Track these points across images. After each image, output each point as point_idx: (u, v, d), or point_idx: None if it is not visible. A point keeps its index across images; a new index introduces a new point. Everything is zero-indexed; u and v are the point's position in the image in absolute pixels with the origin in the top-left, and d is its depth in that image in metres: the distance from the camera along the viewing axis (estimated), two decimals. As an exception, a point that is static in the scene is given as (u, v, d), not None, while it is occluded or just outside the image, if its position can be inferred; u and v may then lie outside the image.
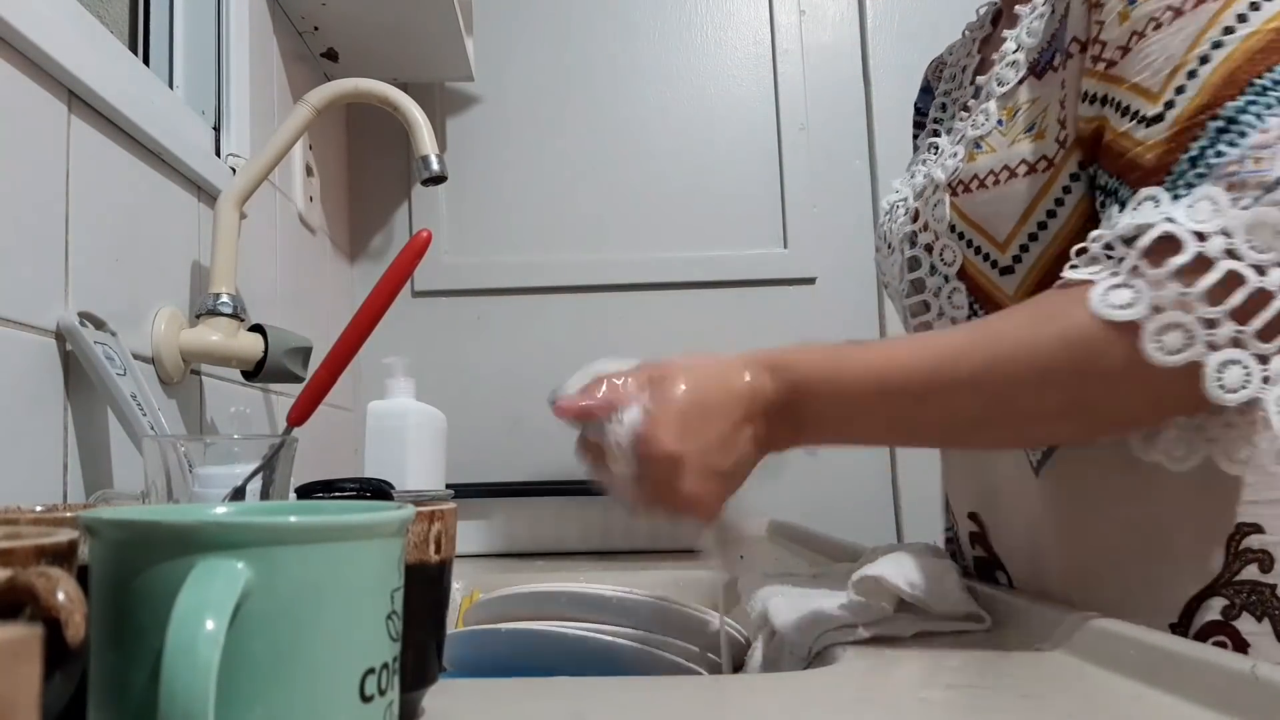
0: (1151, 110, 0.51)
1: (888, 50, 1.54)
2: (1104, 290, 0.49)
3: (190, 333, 0.83)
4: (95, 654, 0.27)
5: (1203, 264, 0.46)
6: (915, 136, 0.89)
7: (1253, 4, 0.50)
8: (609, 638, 0.66)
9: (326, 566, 0.28)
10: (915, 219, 0.69)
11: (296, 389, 0.72)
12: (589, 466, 0.58)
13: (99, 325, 0.70)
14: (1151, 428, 0.54)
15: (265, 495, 0.56)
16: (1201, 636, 0.55)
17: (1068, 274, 0.51)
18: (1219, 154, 0.48)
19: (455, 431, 1.18)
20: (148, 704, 0.25)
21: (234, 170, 0.97)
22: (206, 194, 0.92)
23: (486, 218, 1.54)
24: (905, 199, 0.73)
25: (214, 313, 0.84)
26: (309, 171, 1.30)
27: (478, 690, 0.49)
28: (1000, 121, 0.63)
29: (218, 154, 1.01)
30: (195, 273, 0.90)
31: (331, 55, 1.37)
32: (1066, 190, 0.58)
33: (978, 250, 0.63)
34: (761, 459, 0.58)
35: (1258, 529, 0.55)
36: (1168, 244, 0.47)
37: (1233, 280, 0.45)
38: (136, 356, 0.75)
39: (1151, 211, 0.49)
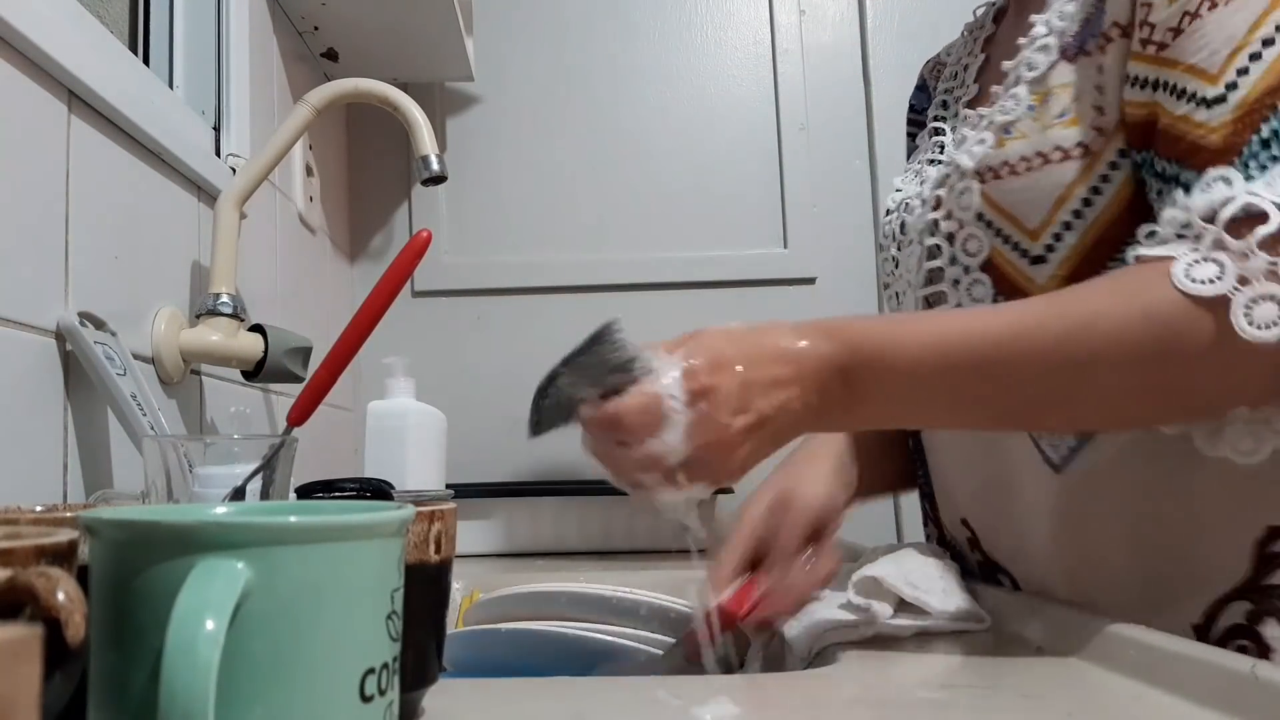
0: (1211, 91, 0.50)
1: (888, 50, 1.54)
2: (1186, 265, 0.47)
3: (190, 333, 0.83)
4: (95, 654, 0.27)
5: None
6: (913, 136, 0.89)
7: None
8: (609, 638, 0.66)
9: (326, 566, 0.28)
10: (937, 207, 0.67)
11: (296, 389, 0.72)
12: (613, 464, 0.51)
13: (99, 325, 0.70)
14: (1225, 412, 0.52)
15: (265, 495, 0.56)
16: (1223, 640, 0.54)
17: (1144, 251, 0.50)
18: None
19: (455, 431, 1.18)
20: (148, 704, 0.25)
21: (234, 170, 0.97)
22: (206, 194, 0.92)
23: (486, 218, 1.54)
24: (918, 192, 0.71)
25: (214, 313, 0.84)
26: (309, 171, 1.30)
27: (478, 690, 0.49)
28: (1031, 107, 0.61)
29: (218, 154, 1.01)
30: (195, 273, 0.90)
31: (331, 55, 1.37)
32: (1105, 178, 0.57)
33: (1006, 239, 0.61)
34: (805, 430, 0.54)
35: None
36: (1251, 217, 0.46)
37: None
38: (136, 356, 0.75)
39: (1226, 189, 0.48)
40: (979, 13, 0.81)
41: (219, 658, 0.24)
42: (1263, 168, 0.48)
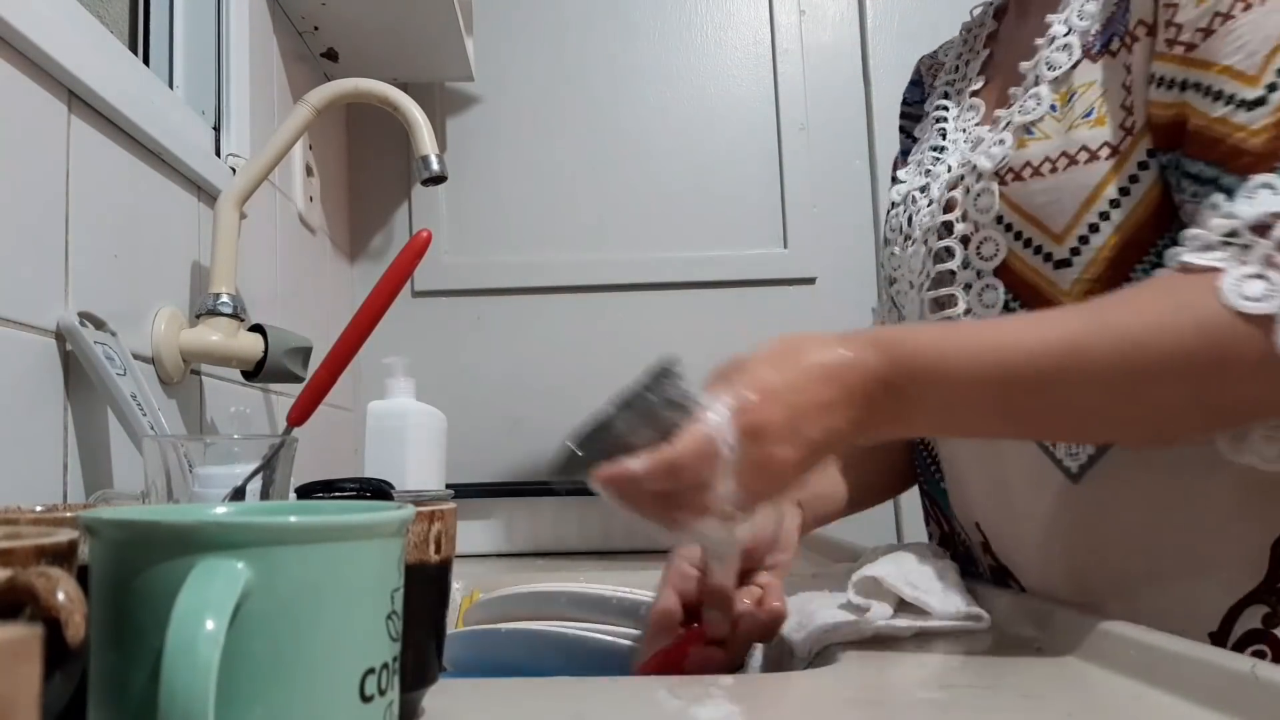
0: (1251, 93, 0.50)
1: (888, 50, 1.54)
2: (1235, 280, 0.46)
3: (190, 333, 0.83)
4: (95, 654, 0.27)
5: None
6: (905, 131, 0.87)
7: None
8: (609, 638, 0.66)
9: (326, 566, 0.28)
10: (948, 209, 0.66)
11: (296, 389, 0.72)
12: (650, 506, 0.50)
13: (99, 325, 0.70)
14: (1264, 421, 0.52)
15: (265, 495, 0.56)
16: (1241, 645, 0.54)
17: (1190, 258, 0.49)
18: None
19: (455, 431, 1.18)
20: (148, 704, 0.25)
21: (234, 170, 0.97)
22: (206, 194, 0.92)
23: (486, 218, 1.54)
24: (924, 187, 0.70)
25: (214, 313, 0.84)
26: (309, 171, 1.30)
27: (478, 690, 0.49)
28: (1054, 106, 0.60)
29: (218, 154, 1.01)
30: (195, 273, 0.90)
31: (331, 55, 1.37)
32: (1134, 179, 0.56)
33: (1028, 242, 0.60)
34: (853, 444, 0.52)
35: None
36: None
37: None
38: (136, 356, 0.75)
39: (1272, 199, 0.47)
40: (976, 12, 0.81)
41: (219, 658, 0.24)
42: None
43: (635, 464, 0.48)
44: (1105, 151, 0.57)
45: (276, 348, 0.88)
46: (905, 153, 0.86)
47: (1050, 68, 0.62)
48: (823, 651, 0.56)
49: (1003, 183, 0.61)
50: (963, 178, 0.65)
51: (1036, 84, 0.62)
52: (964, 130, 0.70)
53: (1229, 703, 0.39)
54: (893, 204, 0.75)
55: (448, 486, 1.12)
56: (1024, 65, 0.64)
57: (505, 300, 1.52)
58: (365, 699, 0.28)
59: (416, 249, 0.66)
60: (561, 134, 1.55)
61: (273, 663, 0.26)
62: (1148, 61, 0.56)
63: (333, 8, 1.25)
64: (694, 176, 1.54)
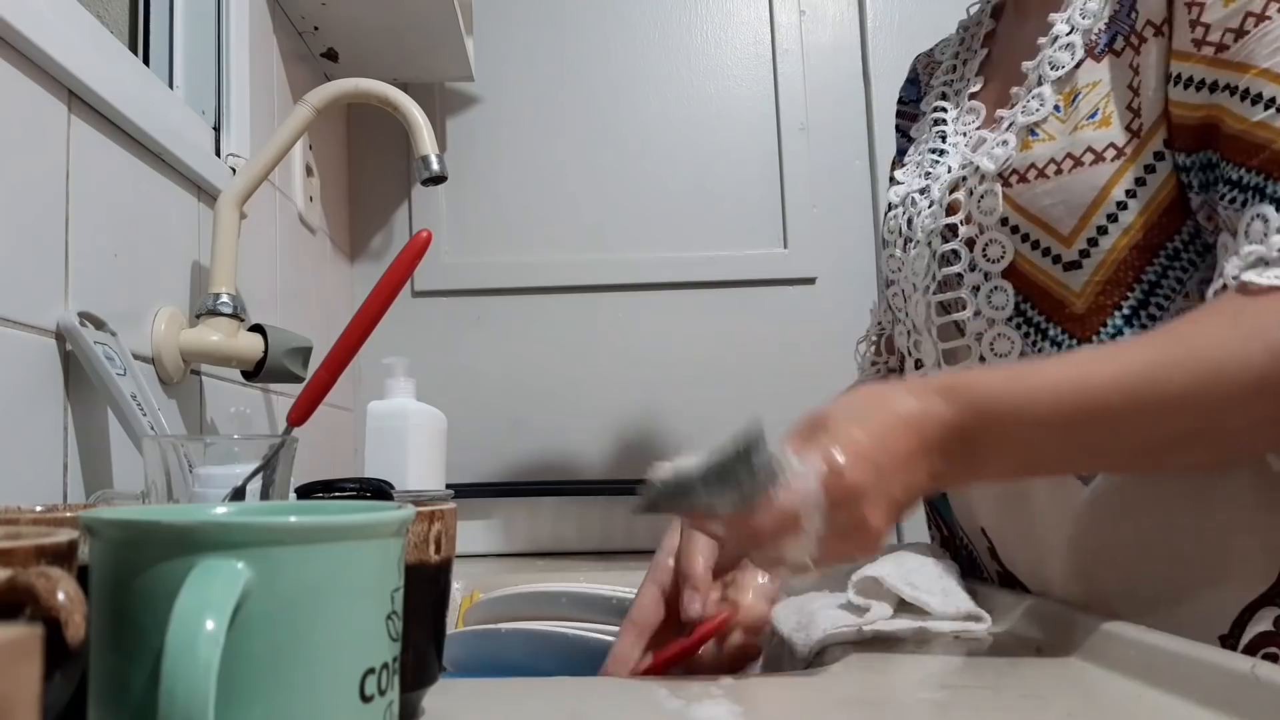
0: None
1: (888, 50, 1.54)
2: None
3: (190, 333, 0.83)
4: (95, 654, 0.27)
5: None
6: (901, 130, 0.87)
7: None
8: (609, 638, 0.66)
9: (326, 566, 0.28)
10: (951, 211, 0.65)
11: (296, 389, 0.72)
12: (749, 546, 0.49)
13: (99, 325, 0.70)
14: None
15: (265, 495, 0.56)
16: (1252, 649, 0.54)
17: (1251, 278, 0.48)
18: None
19: (455, 431, 1.18)
20: (148, 704, 0.25)
21: (234, 170, 0.97)
22: (206, 194, 0.92)
23: (486, 218, 1.54)
24: (924, 189, 0.69)
25: (214, 313, 0.84)
26: (309, 171, 1.30)
27: (478, 690, 0.49)
28: (1058, 107, 0.60)
29: (218, 154, 1.01)
30: (195, 273, 0.90)
31: (331, 55, 1.37)
32: (1140, 181, 0.56)
33: (1035, 245, 0.59)
34: (928, 493, 0.53)
35: None
36: None
37: None
38: (136, 356, 0.75)
39: None
40: (973, 10, 0.80)
41: (219, 658, 0.24)
42: None
43: (715, 527, 0.49)
44: (1111, 153, 0.57)
45: (276, 348, 0.88)
46: (902, 153, 0.85)
47: (1053, 67, 0.61)
48: (823, 651, 0.56)
49: (1007, 184, 0.61)
50: (965, 179, 0.64)
51: (1039, 84, 0.62)
52: (964, 134, 0.70)
53: (1229, 703, 0.39)
54: (890, 206, 0.74)
55: (448, 486, 1.12)
56: (1027, 65, 0.64)
57: (505, 300, 1.52)
58: (365, 699, 0.28)
59: (416, 249, 0.66)
60: (561, 134, 1.55)
61: (273, 663, 0.26)
62: (1162, 62, 0.55)
63: (333, 8, 1.25)
64: (694, 176, 1.54)
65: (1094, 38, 0.60)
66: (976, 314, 0.63)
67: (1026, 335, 0.61)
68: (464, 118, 1.55)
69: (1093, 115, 0.58)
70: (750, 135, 1.55)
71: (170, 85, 0.99)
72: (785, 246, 1.52)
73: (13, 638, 0.19)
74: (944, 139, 0.71)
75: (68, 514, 0.39)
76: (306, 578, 0.27)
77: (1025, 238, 0.60)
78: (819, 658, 0.56)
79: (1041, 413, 0.49)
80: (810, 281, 1.51)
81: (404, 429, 1.07)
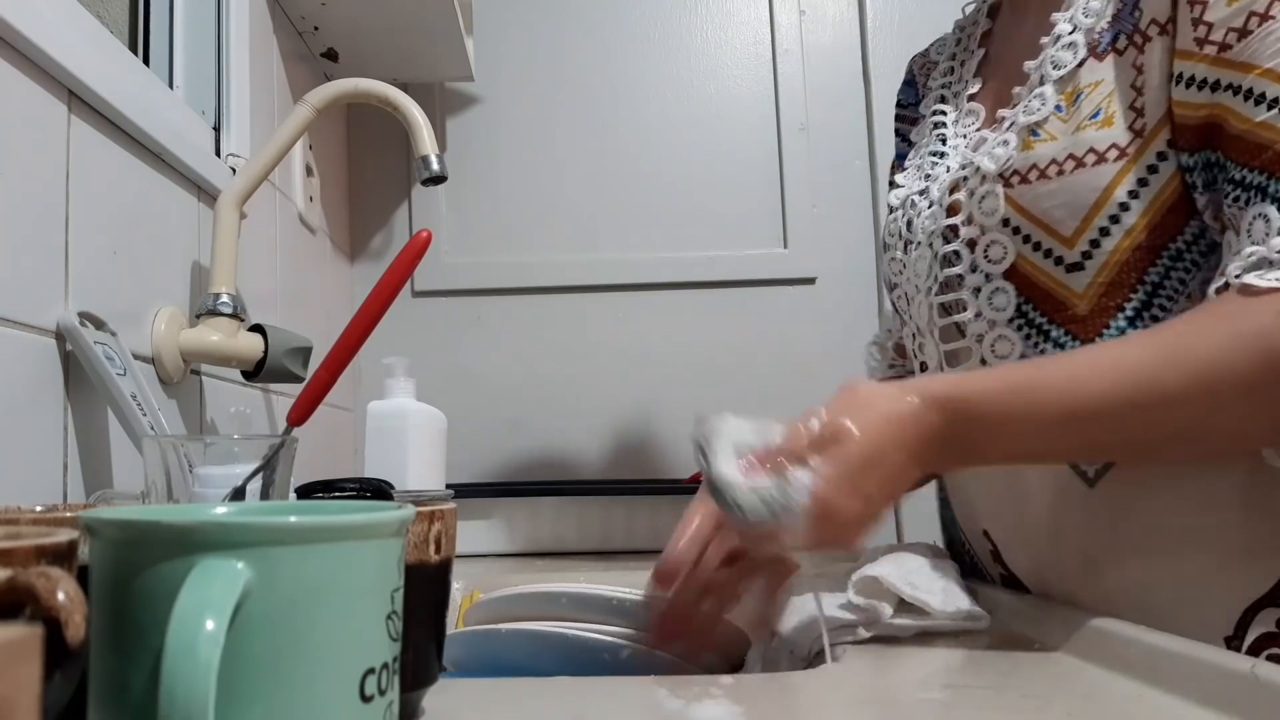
0: None
1: (888, 50, 1.54)
2: None
3: (190, 333, 0.83)
4: (95, 654, 0.27)
5: None
6: (900, 133, 0.87)
7: None
8: (609, 638, 0.66)
9: (326, 566, 0.28)
10: (951, 212, 0.65)
11: (296, 389, 0.72)
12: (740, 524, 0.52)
13: (99, 325, 0.70)
14: None
15: (265, 495, 0.56)
16: (1256, 650, 0.54)
17: (1251, 280, 0.48)
18: None
19: (455, 431, 1.18)
20: (148, 704, 0.25)
21: (234, 170, 0.97)
22: (206, 194, 0.92)
23: (486, 218, 1.54)
24: (924, 190, 0.69)
25: (214, 313, 0.84)
26: (309, 171, 1.30)
27: (478, 690, 0.49)
28: (1060, 107, 0.59)
29: (218, 154, 1.01)
30: (195, 273, 0.90)
31: (331, 55, 1.37)
32: (1143, 181, 0.56)
33: (1037, 246, 0.59)
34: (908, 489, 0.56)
35: None
36: None
37: None
38: (136, 356, 0.75)
39: None
40: (969, 9, 0.80)
41: (219, 658, 0.24)
42: None
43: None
44: (1113, 154, 0.56)
45: (276, 348, 0.88)
46: (901, 157, 0.85)
47: (1055, 66, 0.61)
48: (823, 651, 0.56)
49: (1008, 185, 0.60)
50: (965, 179, 0.64)
51: (1041, 83, 0.61)
52: (964, 136, 0.70)
53: (1229, 703, 0.39)
54: (891, 208, 0.74)
55: (448, 486, 1.12)
56: (1028, 64, 0.64)
57: (505, 300, 1.52)
58: (365, 699, 0.28)
59: (416, 249, 0.66)
60: (561, 134, 1.55)
61: (273, 663, 0.26)
62: (1165, 61, 0.55)
63: (333, 8, 1.25)
64: (694, 177, 1.54)
65: (1097, 36, 0.59)
66: (978, 315, 0.63)
67: (1028, 337, 0.61)
68: (464, 118, 1.55)
69: (1095, 115, 0.58)
70: (750, 135, 1.55)
71: (170, 85, 0.99)
72: (785, 246, 1.52)
73: (13, 638, 0.19)
74: (944, 141, 0.71)
75: (68, 514, 0.39)
76: (306, 578, 0.27)
77: (1027, 239, 0.60)
78: (819, 657, 0.56)
79: (1035, 419, 0.52)
80: (810, 282, 1.51)
81: (404, 429, 1.07)
